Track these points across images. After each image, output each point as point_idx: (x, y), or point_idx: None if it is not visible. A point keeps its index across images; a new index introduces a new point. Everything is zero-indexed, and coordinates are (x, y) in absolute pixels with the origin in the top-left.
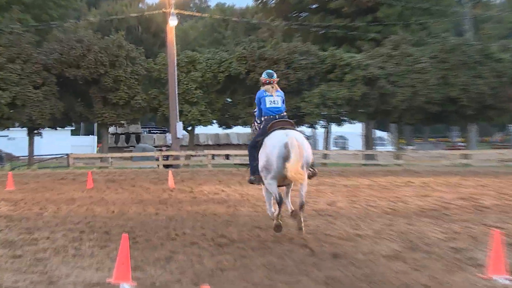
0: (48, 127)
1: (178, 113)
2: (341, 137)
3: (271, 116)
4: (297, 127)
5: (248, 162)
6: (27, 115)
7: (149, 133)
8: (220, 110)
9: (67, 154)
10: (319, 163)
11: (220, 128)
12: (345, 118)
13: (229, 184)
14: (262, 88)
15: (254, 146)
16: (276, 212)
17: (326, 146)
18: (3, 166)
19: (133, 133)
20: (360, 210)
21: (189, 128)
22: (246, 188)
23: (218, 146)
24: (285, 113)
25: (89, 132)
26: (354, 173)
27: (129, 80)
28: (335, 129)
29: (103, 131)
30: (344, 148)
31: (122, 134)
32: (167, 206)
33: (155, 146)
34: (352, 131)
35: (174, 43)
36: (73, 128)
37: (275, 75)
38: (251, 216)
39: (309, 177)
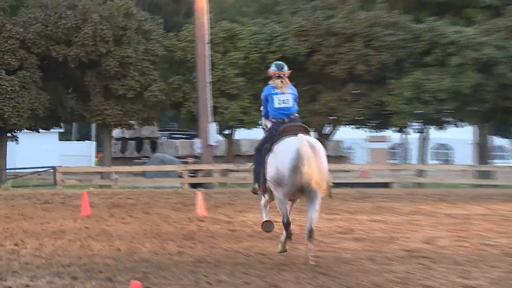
0: (27, 129)
1: (211, 111)
2: (444, 146)
3: (280, 120)
4: (380, 131)
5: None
6: None
7: (169, 138)
8: None
9: (53, 167)
10: (411, 182)
11: None
12: (449, 119)
13: None
14: (270, 83)
15: (260, 151)
16: (283, 238)
17: (422, 159)
18: None
19: (147, 138)
20: (471, 251)
21: (227, 132)
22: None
23: None
24: (297, 115)
25: (84, 137)
26: (462, 198)
27: (141, 63)
28: (434, 134)
29: (104, 135)
30: (447, 161)
31: (131, 139)
32: (195, 242)
33: (178, 157)
34: (459, 138)
35: (206, 11)
36: (62, 131)
37: (286, 67)
38: (314, 258)
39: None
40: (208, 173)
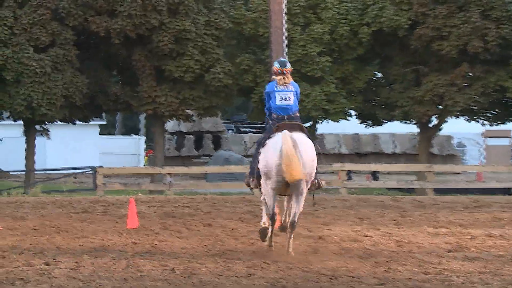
0: (60, 121)
1: None
2: None
3: (280, 116)
4: (500, 123)
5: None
6: (22, 99)
7: (237, 132)
8: (363, 92)
9: (92, 168)
10: None
11: (362, 125)
12: None
13: (378, 223)
14: (273, 80)
15: (260, 145)
16: (269, 232)
17: None
18: None
19: (208, 132)
20: None
21: (308, 125)
22: (407, 231)
23: (358, 156)
24: (297, 113)
25: (131, 130)
26: None
27: (202, 39)
28: None
29: (156, 129)
30: None
31: (189, 133)
32: (268, 261)
33: (247, 156)
34: None
35: None
36: (104, 123)
37: (288, 64)
38: (416, 282)
39: (311, 189)
40: None
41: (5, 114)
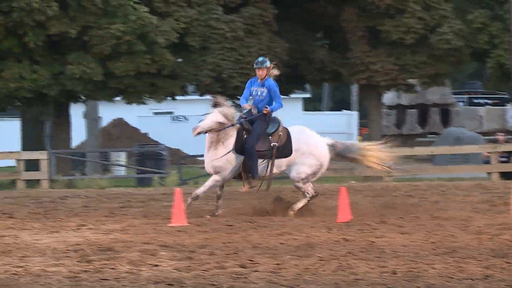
0: None
1: None
2: None
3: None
4: None
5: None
6: (210, 69)
7: (470, 104)
8: None
9: None
10: None
11: None
12: None
13: None
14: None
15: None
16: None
17: None
18: (166, 176)
19: (435, 105)
20: None
21: None
22: None
23: None
24: None
25: (341, 105)
26: None
27: None
28: None
29: (370, 102)
30: None
31: (411, 107)
32: (510, 260)
33: (483, 133)
34: None
35: None
36: (309, 96)
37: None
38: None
39: None
40: None
41: (190, 88)
